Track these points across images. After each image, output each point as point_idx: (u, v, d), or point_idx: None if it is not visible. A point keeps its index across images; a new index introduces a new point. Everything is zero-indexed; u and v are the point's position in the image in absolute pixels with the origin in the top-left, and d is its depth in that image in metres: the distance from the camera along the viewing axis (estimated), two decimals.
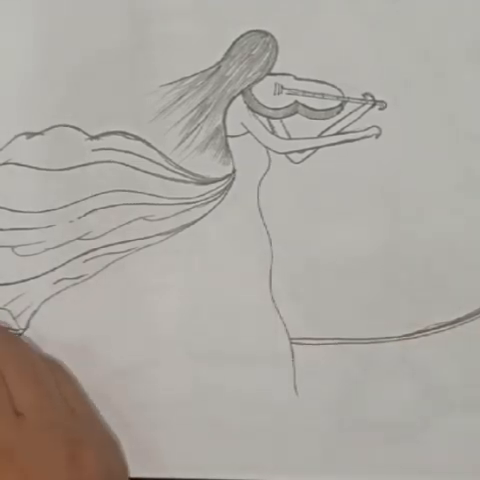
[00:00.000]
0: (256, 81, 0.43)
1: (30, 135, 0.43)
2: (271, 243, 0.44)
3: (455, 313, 0.45)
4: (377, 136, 0.44)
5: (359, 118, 0.44)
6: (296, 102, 0.43)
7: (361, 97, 0.43)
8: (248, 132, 0.44)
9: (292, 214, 0.44)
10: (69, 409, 0.42)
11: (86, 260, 0.44)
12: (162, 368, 0.45)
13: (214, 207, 0.44)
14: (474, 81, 0.43)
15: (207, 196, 0.44)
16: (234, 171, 0.44)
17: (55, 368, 0.43)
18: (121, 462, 0.44)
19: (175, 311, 0.45)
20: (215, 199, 0.44)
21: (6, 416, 0.40)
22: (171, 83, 0.43)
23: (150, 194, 0.44)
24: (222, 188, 0.44)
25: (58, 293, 0.44)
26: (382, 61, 0.43)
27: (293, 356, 0.45)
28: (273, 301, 0.44)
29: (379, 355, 0.45)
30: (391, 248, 0.44)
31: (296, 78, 0.43)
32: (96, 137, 0.43)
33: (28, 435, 0.40)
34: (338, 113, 0.44)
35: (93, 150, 0.43)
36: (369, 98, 0.43)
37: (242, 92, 0.43)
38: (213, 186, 0.44)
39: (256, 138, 0.44)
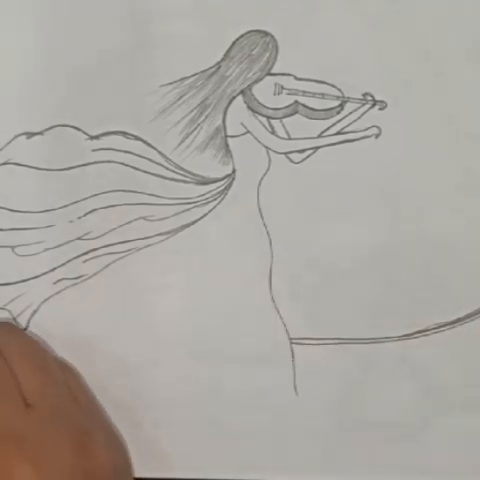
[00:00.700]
0: (256, 81, 0.43)
1: (30, 135, 0.43)
2: (271, 243, 0.44)
3: (455, 313, 0.45)
4: (377, 136, 0.44)
5: (359, 118, 0.44)
6: (296, 102, 0.43)
7: (361, 97, 0.43)
8: (248, 132, 0.44)
9: (292, 214, 0.44)
10: (77, 401, 0.43)
11: (86, 260, 0.44)
12: (162, 368, 0.45)
13: (214, 207, 0.44)
14: (474, 81, 0.43)
15: (207, 196, 0.44)
16: (234, 171, 0.44)
17: (62, 363, 0.44)
18: (126, 458, 0.44)
19: (175, 311, 0.45)
20: (215, 199, 0.44)
21: (16, 405, 0.40)
22: (171, 83, 0.43)
23: (150, 194, 0.44)
24: (222, 188, 0.44)
25: (58, 293, 0.44)
26: (382, 61, 0.43)
27: (293, 356, 0.45)
28: (273, 301, 0.44)
29: (379, 355, 0.45)
30: (391, 248, 0.44)
31: (296, 78, 0.43)
32: (96, 137, 0.43)
33: (37, 424, 0.40)
34: (338, 113, 0.44)
35: (93, 150, 0.44)
36: (369, 98, 0.43)
37: (242, 92, 0.43)
38: (213, 186, 0.44)
39: (256, 138, 0.44)
